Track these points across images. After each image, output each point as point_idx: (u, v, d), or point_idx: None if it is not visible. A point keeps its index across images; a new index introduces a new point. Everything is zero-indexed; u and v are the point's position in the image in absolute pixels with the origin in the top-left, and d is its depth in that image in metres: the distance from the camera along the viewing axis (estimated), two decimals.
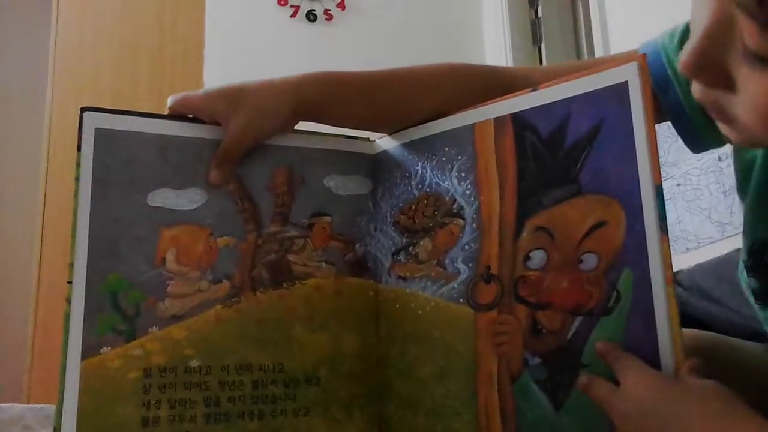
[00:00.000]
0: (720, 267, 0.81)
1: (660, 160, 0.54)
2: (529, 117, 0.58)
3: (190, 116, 0.63)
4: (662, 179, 0.64)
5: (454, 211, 0.62)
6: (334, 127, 0.66)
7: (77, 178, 0.58)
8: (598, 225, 0.53)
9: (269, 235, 0.63)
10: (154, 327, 0.58)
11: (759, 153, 0.56)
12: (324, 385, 0.61)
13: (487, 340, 0.58)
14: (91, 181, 0.58)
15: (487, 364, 0.57)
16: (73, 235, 0.57)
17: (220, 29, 2.24)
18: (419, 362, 0.62)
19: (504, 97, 0.61)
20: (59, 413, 0.54)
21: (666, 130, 0.64)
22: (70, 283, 0.56)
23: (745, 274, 0.68)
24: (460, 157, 0.62)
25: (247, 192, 0.63)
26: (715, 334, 0.67)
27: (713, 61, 0.40)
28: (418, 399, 0.61)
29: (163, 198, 0.60)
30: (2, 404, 0.94)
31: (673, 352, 0.48)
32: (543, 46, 2.31)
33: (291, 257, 0.63)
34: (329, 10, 2.34)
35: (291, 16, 2.31)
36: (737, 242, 0.79)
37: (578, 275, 0.53)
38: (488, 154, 0.60)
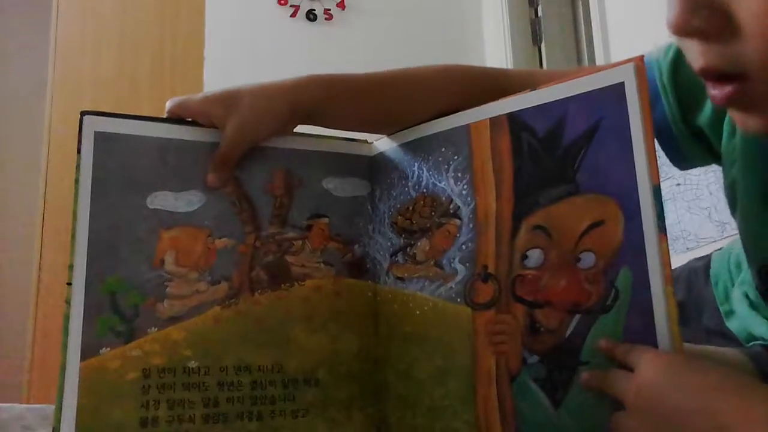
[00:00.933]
0: (690, 277, 0.81)
1: (660, 159, 0.54)
2: (526, 117, 0.58)
3: (189, 119, 0.63)
4: (662, 179, 0.65)
5: (451, 211, 0.62)
6: (332, 130, 0.66)
7: (77, 181, 0.58)
8: (596, 224, 0.53)
9: (268, 237, 0.63)
10: (152, 328, 0.58)
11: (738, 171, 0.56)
12: (323, 386, 0.62)
13: (486, 340, 0.58)
14: (90, 184, 0.58)
15: (486, 363, 0.57)
16: (73, 237, 0.57)
17: (220, 29, 2.24)
18: (418, 362, 0.62)
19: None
20: (58, 414, 0.54)
21: None
22: (69, 284, 0.56)
23: (744, 288, 0.68)
24: (456, 157, 0.62)
25: (245, 194, 0.63)
26: (699, 346, 0.67)
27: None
28: (417, 399, 0.61)
29: (162, 200, 0.60)
30: (2, 404, 0.94)
31: (672, 351, 0.48)
32: (543, 45, 2.31)
33: (289, 258, 0.63)
34: (329, 9, 2.34)
35: (291, 16, 2.31)
36: (737, 242, 0.79)
37: (576, 274, 0.53)
38: (484, 154, 0.60)
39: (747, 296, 0.69)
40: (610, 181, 0.53)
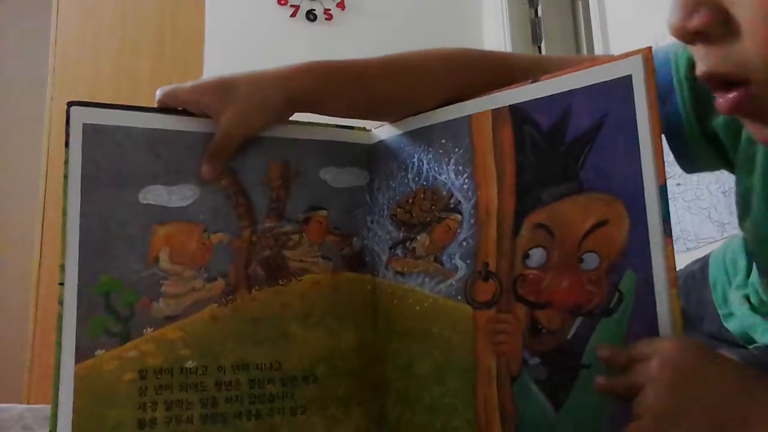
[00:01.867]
0: (688, 283, 0.80)
1: (664, 158, 0.52)
2: (529, 109, 0.57)
3: (180, 109, 0.61)
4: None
5: (452, 205, 0.60)
6: (330, 117, 0.64)
7: (65, 176, 0.57)
8: (600, 224, 0.52)
9: (264, 231, 0.62)
10: (148, 328, 0.57)
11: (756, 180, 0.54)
12: (321, 383, 0.61)
13: (486, 339, 0.57)
14: (80, 179, 0.57)
15: (486, 363, 0.56)
16: (63, 236, 0.56)
17: (220, 29, 2.24)
18: (418, 359, 0.61)
19: (503, 88, 0.59)
20: (54, 417, 0.53)
21: None
22: (61, 285, 0.55)
23: (745, 291, 0.67)
24: (457, 149, 0.61)
25: (241, 186, 0.61)
26: None
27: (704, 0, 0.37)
28: (416, 396, 0.60)
29: (154, 195, 0.59)
30: (2, 404, 0.93)
31: None
32: (543, 45, 2.31)
33: (287, 253, 0.62)
34: (329, 9, 2.34)
35: (291, 16, 2.31)
36: (731, 242, 0.78)
37: (579, 275, 0.52)
38: (486, 148, 0.59)
39: (748, 299, 0.68)
40: (615, 179, 0.51)
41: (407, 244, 0.63)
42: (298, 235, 0.63)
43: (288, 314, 0.61)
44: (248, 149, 0.62)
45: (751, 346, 0.69)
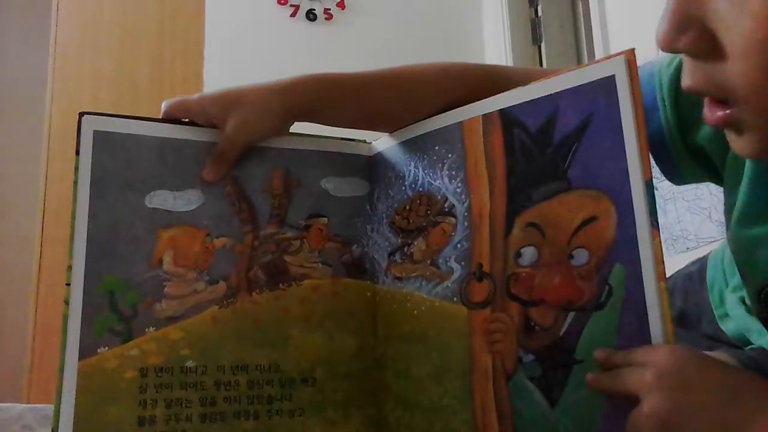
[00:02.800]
0: (686, 284, 0.80)
1: None
2: (517, 113, 0.58)
3: (186, 120, 0.63)
4: (663, 178, 0.64)
5: (446, 209, 0.62)
6: (331, 128, 0.67)
7: (75, 182, 0.58)
8: (589, 220, 0.53)
9: (266, 236, 0.63)
10: (150, 327, 0.58)
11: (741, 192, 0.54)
12: (320, 386, 0.62)
13: (482, 339, 0.58)
14: (89, 183, 0.58)
15: (483, 362, 0.57)
16: (72, 238, 0.57)
17: (220, 29, 2.24)
18: (416, 362, 0.62)
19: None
20: (57, 413, 0.54)
21: None
22: (68, 285, 0.56)
23: (740, 292, 0.67)
24: (450, 155, 0.62)
25: (243, 193, 0.63)
26: None
27: (693, 18, 0.38)
28: (415, 399, 0.61)
29: (160, 199, 0.60)
30: (2, 404, 0.94)
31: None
32: (543, 45, 2.31)
33: (287, 258, 0.63)
34: (329, 9, 2.34)
35: (291, 16, 2.31)
36: None
37: (569, 271, 0.53)
38: (477, 152, 0.60)
39: (743, 301, 0.69)
40: (602, 176, 0.52)
41: (405, 249, 0.64)
42: (299, 241, 0.64)
43: (288, 318, 0.62)
44: (252, 158, 0.64)
45: (747, 348, 0.69)
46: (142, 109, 2.14)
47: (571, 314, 0.53)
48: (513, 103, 0.58)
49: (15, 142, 2.84)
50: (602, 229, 0.52)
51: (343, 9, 2.35)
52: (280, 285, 0.62)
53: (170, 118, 0.63)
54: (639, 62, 0.52)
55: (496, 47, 2.36)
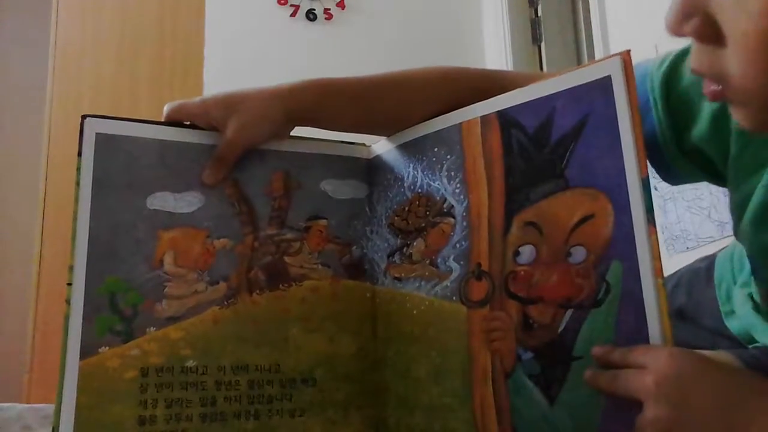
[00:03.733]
0: (692, 280, 0.80)
1: None
2: (515, 114, 0.59)
3: (187, 123, 0.64)
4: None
5: (445, 210, 0.62)
6: (331, 132, 0.67)
7: (77, 183, 0.59)
8: (586, 218, 0.53)
9: (266, 238, 0.64)
10: (151, 328, 0.58)
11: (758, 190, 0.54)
12: (320, 386, 0.62)
13: (481, 338, 0.58)
14: (91, 185, 0.59)
15: (482, 361, 0.58)
16: (73, 239, 0.58)
17: (220, 29, 2.24)
18: (415, 362, 0.62)
19: None
20: (57, 412, 0.55)
21: None
22: (69, 285, 0.57)
23: (748, 289, 0.67)
24: (449, 156, 0.63)
25: (244, 195, 0.64)
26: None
27: (699, 5, 0.39)
28: (415, 399, 0.61)
29: (161, 201, 0.61)
30: (2, 404, 0.94)
31: (663, 343, 0.48)
32: (543, 45, 2.31)
33: (287, 259, 0.64)
34: (329, 9, 2.34)
35: (291, 16, 2.31)
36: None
37: (567, 268, 0.54)
38: (476, 153, 0.61)
39: (751, 297, 0.69)
40: (599, 174, 0.53)
41: (404, 250, 0.65)
42: (299, 243, 0.65)
43: (288, 318, 0.62)
44: (252, 161, 0.64)
45: (750, 346, 0.69)
46: (141, 109, 2.14)
47: (570, 311, 0.53)
48: (510, 105, 0.59)
49: (15, 143, 2.85)
50: (599, 227, 0.52)
51: (343, 9, 2.35)
52: (280, 286, 0.63)
53: (172, 121, 0.64)
54: (635, 62, 0.53)
55: (496, 47, 2.36)
